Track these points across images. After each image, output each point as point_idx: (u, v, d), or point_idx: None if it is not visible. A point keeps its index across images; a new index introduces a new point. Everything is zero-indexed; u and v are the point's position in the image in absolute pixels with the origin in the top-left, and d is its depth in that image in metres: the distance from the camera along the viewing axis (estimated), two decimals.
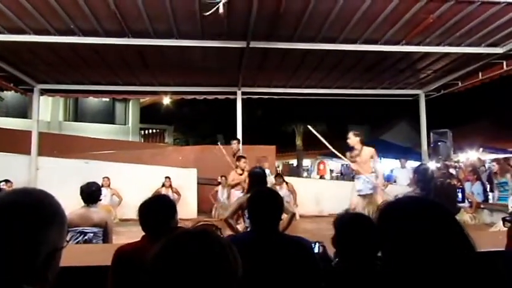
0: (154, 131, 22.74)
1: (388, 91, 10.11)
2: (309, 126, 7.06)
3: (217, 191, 10.99)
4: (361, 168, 6.47)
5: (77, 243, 3.77)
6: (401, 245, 1.02)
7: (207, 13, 4.93)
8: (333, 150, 6.84)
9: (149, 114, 22.20)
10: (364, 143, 6.65)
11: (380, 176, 6.57)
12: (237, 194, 6.85)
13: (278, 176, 10.17)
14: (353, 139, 6.56)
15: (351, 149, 6.62)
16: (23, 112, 17.99)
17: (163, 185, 10.12)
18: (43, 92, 9.62)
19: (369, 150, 6.55)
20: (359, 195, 6.58)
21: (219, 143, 10.13)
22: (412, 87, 10.04)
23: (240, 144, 8.68)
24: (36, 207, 0.95)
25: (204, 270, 0.85)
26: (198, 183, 11.57)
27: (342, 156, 6.80)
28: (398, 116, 21.53)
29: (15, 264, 0.88)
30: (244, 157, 7.95)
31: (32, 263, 0.90)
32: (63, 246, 0.99)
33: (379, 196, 6.30)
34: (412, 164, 13.02)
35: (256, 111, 20.30)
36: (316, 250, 2.40)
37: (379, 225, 1.12)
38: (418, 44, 6.89)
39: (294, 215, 4.23)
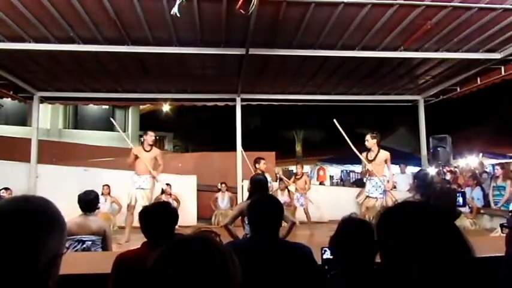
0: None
1: (387, 97, 10.13)
2: (334, 121, 7.09)
3: (217, 198, 10.99)
4: (375, 170, 6.66)
5: (76, 251, 3.77)
6: (400, 249, 1.03)
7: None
8: (353, 147, 6.97)
9: (149, 121, 22.22)
10: (380, 145, 6.91)
11: (390, 181, 6.79)
12: None
13: (282, 180, 10.20)
14: (370, 141, 6.82)
15: (368, 150, 6.87)
16: (23, 120, 18.03)
17: (163, 192, 10.11)
18: (43, 99, 9.63)
19: (384, 154, 6.80)
20: (368, 196, 6.70)
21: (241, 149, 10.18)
22: (411, 93, 10.06)
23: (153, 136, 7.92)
24: (36, 213, 0.95)
25: (204, 277, 0.86)
26: (197, 190, 11.56)
27: (360, 155, 6.95)
28: (397, 122, 21.53)
29: (16, 272, 0.88)
30: (263, 158, 8.04)
31: (33, 270, 0.90)
32: (63, 253, 0.99)
33: (388, 202, 6.38)
34: (411, 169, 13.02)
35: (256, 119, 20.29)
36: (328, 255, 2.39)
37: (378, 230, 1.12)
38: (416, 50, 6.91)
39: (294, 223, 4.22)
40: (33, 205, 0.97)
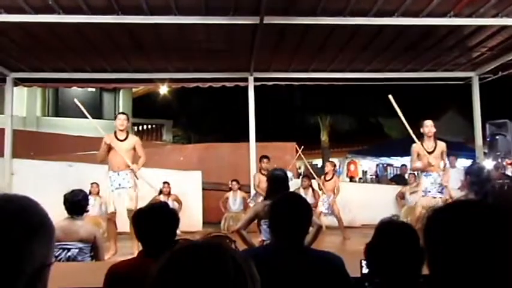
0: (149, 126, 22.91)
1: (433, 74, 10.02)
2: (390, 97, 7.16)
3: (228, 198, 11.02)
4: (434, 163, 6.81)
5: (59, 260, 3.84)
6: (453, 258, 1.02)
7: None
8: (412, 134, 7.08)
9: (143, 107, 22.35)
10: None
11: (447, 174, 7.01)
12: None
13: (306, 177, 10.20)
14: (431, 129, 6.94)
15: (421, 139, 6.99)
16: None
17: (161, 192, 10.16)
18: (17, 81, 9.74)
19: (442, 145, 7.00)
20: (424, 195, 6.88)
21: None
22: (462, 69, 9.92)
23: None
24: (20, 216, 0.95)
25: None
26: (203, 189, 11.61)
27: (414, 145, 7.03)
28: (446, 104, 21.27)
29: None
30: (267, 157, 8.38)
31: (16, 283, 0.91)
32: (52, 263, 1.00)
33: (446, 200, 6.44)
34: (463, 162, 12.89)
35: (272, 102, 20.23)
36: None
37: (425, 235, 1.11)
38: (469, 16, 6.82)
39: (320, 227, 4.25)
40: (16, 206, 0.97)
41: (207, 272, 0.87)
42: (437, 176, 6.83)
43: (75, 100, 8.27)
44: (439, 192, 6.79)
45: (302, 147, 11.34)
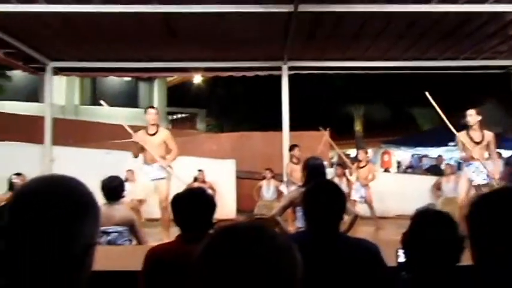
0: (183, 115, 23.17)
1: (471, 62, 9.74)
2: (427, 93, 7.30)
3: (261, 187, 11.08)
4: (478, 153, 6.77)
5: (99, 244, 3.95)
6: (498, 243, 1.01)
7: None
8: (451, 126, 7.12)
9: (178, 96, 22.57)
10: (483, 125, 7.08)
11: (497, 165, 6.98)
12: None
13: (339, 166, 10.17)
14: (475, 117, 6.96)
15: (467, 129, 6.99)
16: (33, 95, 18.76)
17: (195, 180, 10.29)
18: (57, 71, 9.91)
19: (488, 135, 6.96)
20: (469, 184, 6.90)
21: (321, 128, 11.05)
22: (503, 57, 9.63)
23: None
24: (69, 196, 0.98)
25: (260, 272, 0.86)
26: (236, 177, 11.69)
27: (459, 136, 7.01)
28: (484, 94, 20.72)
29: (45, 263, 0.92)
30: (297, 145, 8.67)
31: (65, 261, 0.94)
32: (97, 242, 1.03)
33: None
34: (503, 153, 12.58)
35: (305, 91, 20.10)
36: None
37: (470, 221, 1.10)
38: (511, 2, 6.61)
39: (356, 217, 4.25)
40: (64, 186, 1.01)
41: (248, 254, 0.88)
42: (480, 165, 6.73)
43: (101, 101, 8.65)
44: (484, 179, 6.71)
45: (327, 129, 11.25)
